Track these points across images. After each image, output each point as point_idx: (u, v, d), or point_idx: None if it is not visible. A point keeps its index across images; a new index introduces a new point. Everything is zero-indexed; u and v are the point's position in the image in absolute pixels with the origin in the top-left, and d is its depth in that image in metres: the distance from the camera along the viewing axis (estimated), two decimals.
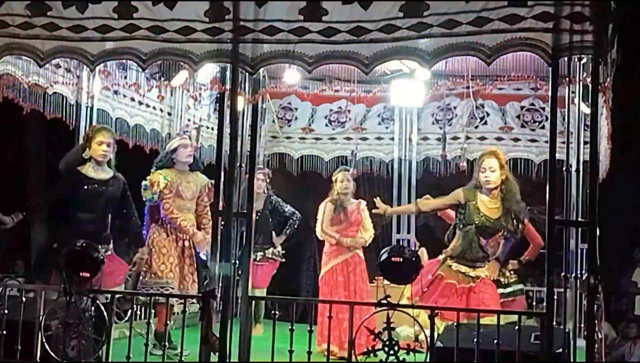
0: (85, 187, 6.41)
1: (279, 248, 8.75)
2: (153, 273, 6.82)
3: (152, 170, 7.13)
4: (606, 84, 5.51)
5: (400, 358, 5.45)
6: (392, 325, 5.52)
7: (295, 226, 8.80)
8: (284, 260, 8.79)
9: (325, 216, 7.65)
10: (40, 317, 5.67)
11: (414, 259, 5.79)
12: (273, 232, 8.71)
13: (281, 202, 8.77)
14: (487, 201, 6.56)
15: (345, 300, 7.13)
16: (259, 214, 8.52)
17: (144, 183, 7.05)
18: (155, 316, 6.80)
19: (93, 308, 5.63)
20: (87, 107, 7.64)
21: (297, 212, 8.76)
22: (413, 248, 9.01)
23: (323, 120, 9.74)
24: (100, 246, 6.08)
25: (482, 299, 6.40)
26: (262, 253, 8.51)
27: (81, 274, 5.53)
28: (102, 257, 5.73)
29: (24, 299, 5.80)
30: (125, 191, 6.61)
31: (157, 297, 6.47)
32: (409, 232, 9.53)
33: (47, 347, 5.63)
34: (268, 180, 8.74)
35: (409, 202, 9.47)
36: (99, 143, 6.47)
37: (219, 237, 5.65)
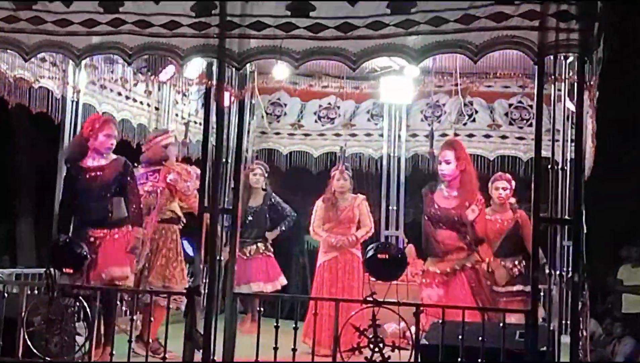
0: (83, 176, 6.41)
1: (269, 243, 8.76)
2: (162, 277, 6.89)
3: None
4: (592, 83, 5.53)
5: (386, 355, 5.45)
6: (378, 322, 5.52)
7: (291, 225, 8.83)
8: (271, 254, 8.79)
9: (317, 215, 7.66)
10: (23, 313, 5.64)
11: (399, 256, 5.78)
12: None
13: (279, 201, 8.80)
14: (444, 192, 6.61)
15: (332, 297, 7.13)
16: (257, 209, 8.57)
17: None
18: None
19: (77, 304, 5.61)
20: (72, 101, 7.58)
21: (294, 213, 8.79)
22: (402, 245, 9.06)
23: (312, 116, 9.70)
24: (106, 231, 6.30)
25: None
26: (254, 247, 8.55)
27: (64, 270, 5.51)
28: (85, 253, 5.70)
29: (6, 295, 5.77)
30: (120, 174, 6.46)
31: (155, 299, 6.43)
32: (397, 229, 9.51)
33: (29, 343, 5.61)
34: (266, 175, 8.76)
35: (398, 199, 9.47)
36: (106, 136, 6.48)
37: (204, 233, 5.63)
